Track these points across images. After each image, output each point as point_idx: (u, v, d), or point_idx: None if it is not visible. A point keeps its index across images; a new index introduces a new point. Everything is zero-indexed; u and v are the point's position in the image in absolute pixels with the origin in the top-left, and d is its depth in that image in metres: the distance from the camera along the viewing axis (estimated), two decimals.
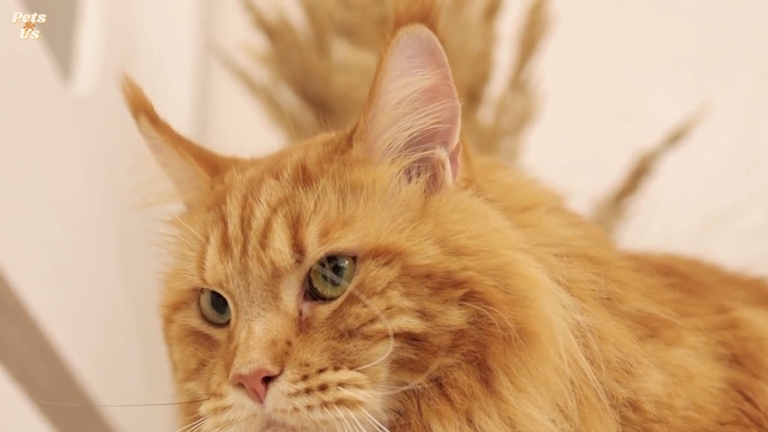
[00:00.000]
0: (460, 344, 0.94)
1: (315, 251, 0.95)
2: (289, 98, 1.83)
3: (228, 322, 1.01)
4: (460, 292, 0.94)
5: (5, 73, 1.51)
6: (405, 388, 0.95)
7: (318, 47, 1.79)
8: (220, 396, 0.96)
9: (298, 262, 0.95)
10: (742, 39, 2.19)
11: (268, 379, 0.93)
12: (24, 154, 1.56)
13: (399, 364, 0.95)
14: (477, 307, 0.94)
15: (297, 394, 0.92)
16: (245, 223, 0.99)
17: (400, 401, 0.96)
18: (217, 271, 0.98)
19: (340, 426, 0.92)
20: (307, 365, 0.93)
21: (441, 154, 1.01)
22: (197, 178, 1.10)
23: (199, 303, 1.04)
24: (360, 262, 0.95)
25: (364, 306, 0.94)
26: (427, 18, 0.96)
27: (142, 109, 1.10)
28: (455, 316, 0.94)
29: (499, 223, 1.00)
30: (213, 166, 1.11)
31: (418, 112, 0.99)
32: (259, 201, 0.99)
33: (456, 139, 1.02)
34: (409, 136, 1.00)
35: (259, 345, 0.93)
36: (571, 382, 0.95)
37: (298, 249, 0.95)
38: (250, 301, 0.96)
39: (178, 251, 1.05)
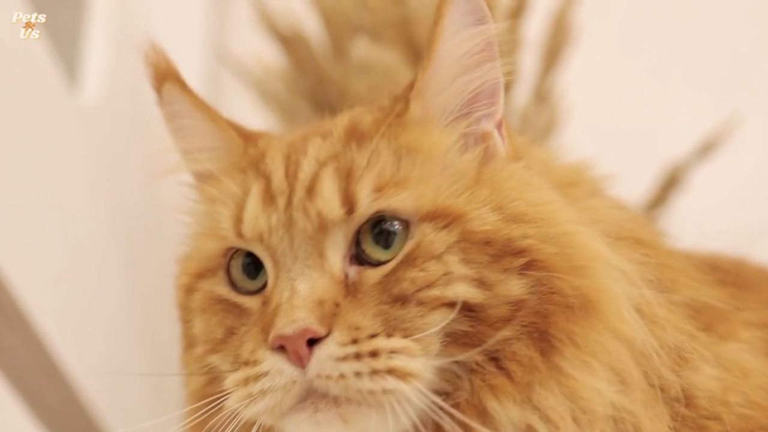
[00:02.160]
0: (519, 316, 0.88)
1: (367, 205, 0.89)
2: (302, 107, 1.78)
3: (260, 290, 0.94)
4: (520, 261, 0.89)
5: (11, 81, 1.48)
6: (457, 358, 0.87)
7: (335, 53, 1.74)
8: (254, 363, 0.88)
9: (348, 213, 0.89)
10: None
11: (311, 343, 0.85)
12: (28, 162, 1.51)
13: (452, 338, 0.88)
14: (539, 275, 0.88)
15: (345, 358, 0.84)
16: (291, 176, 0.93)
17: (447, 381, 0.89)
18: (258, 222, 0.92)
19: (388, 399, 0.85)
20: (357, 329, 0.85)
21: (488, 123, 0.98)
22: (229, 142, 1.04)
23: (227, 270, 0.97)
24: (415, 225, 0.90)
25: (422, 270, 0.88)
26: None
27: (168, 75, 1.05)
28: (515, 286, 0.88)
29: (553, 196, 0.95)
30: (243, 133, 1.06)
31: (474, 71, 0.96)
32: (307, 155, 0.94)
33: (501, 108, 0.98)
34: (468, 93, 0.96)
35: (305, 304, 0.86)
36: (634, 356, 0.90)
37: (349, 200, 0.90)
38: (293, 257, 0.90)
39: (208, 212, 1.00)
